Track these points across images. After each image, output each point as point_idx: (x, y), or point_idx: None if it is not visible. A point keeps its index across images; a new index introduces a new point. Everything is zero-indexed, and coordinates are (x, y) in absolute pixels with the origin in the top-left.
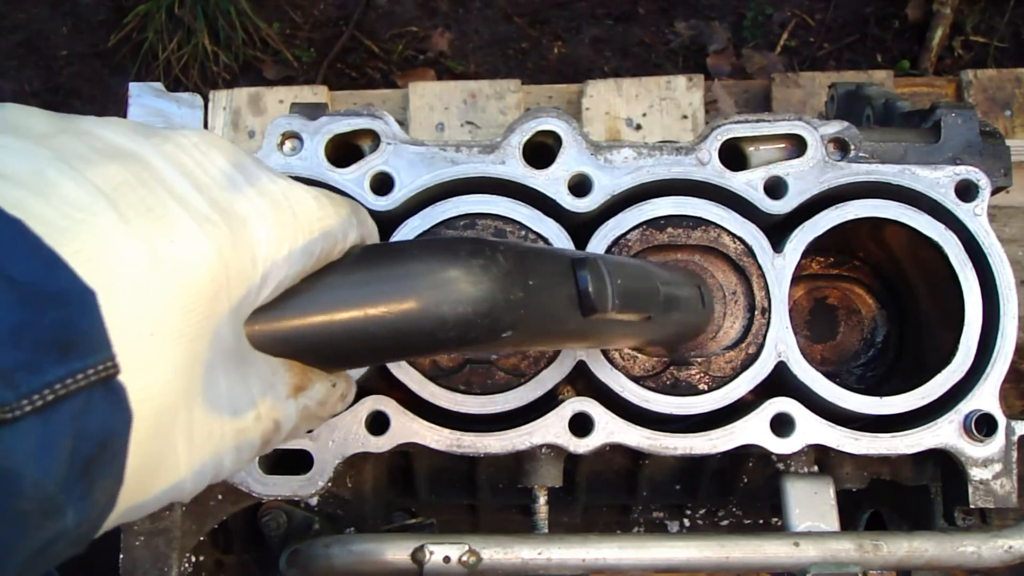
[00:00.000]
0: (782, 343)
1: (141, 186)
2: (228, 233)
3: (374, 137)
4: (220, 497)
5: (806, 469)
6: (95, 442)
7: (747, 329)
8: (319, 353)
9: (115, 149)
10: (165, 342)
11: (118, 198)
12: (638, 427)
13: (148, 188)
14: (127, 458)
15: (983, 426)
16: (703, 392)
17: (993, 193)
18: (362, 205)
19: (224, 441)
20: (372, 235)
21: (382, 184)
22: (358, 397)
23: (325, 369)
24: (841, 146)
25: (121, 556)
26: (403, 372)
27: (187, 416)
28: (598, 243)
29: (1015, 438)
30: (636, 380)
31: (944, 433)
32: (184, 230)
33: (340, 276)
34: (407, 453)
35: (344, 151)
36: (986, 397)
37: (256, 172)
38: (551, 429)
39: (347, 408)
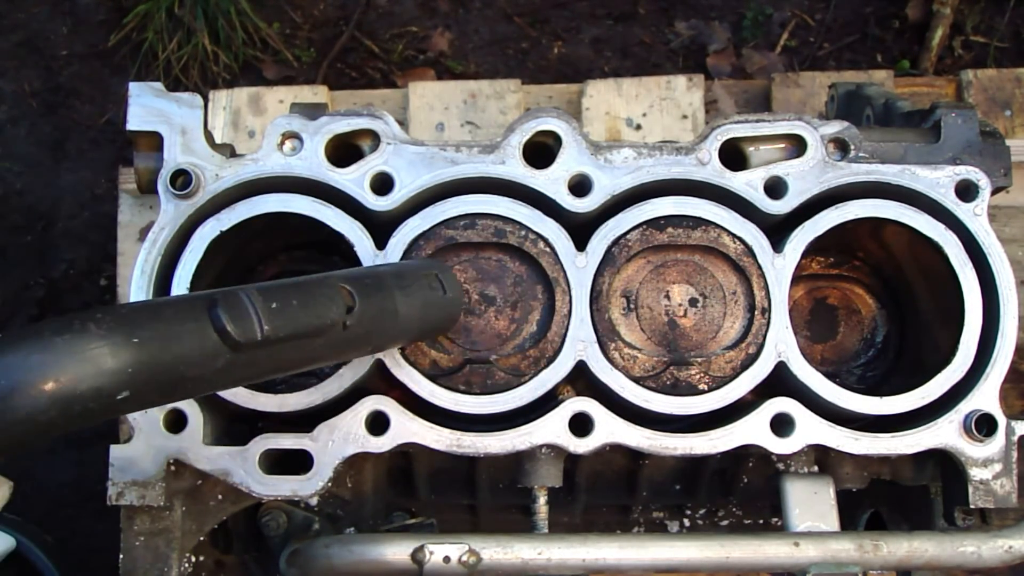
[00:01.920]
0: (782, 343)
1: None
2: None
3: (374, 137)
4: (220, 497)
5: (806, 469)
6: None
7: (747, 329)
8: None
9: None
10: None
11: None
12: (638, 427)
13: None
14: None
15: (983, 426)
16: (703, 392)
17: (993, 193)
18: (362, 205)
19: None
20: None
21: (382, 184)
22: (358, 397)
23: None
24: (841, 146)
25: (121, 556)
26: (403, 372)
27: None
28: (598, 243)
29: (1015, 438)
30: (636, 380)
31: (944, 433)
32: None
33: None
34: (407, 453)
35: (344, 151)
36: (986, 397)
37: None
38: (551, 429)
39: None
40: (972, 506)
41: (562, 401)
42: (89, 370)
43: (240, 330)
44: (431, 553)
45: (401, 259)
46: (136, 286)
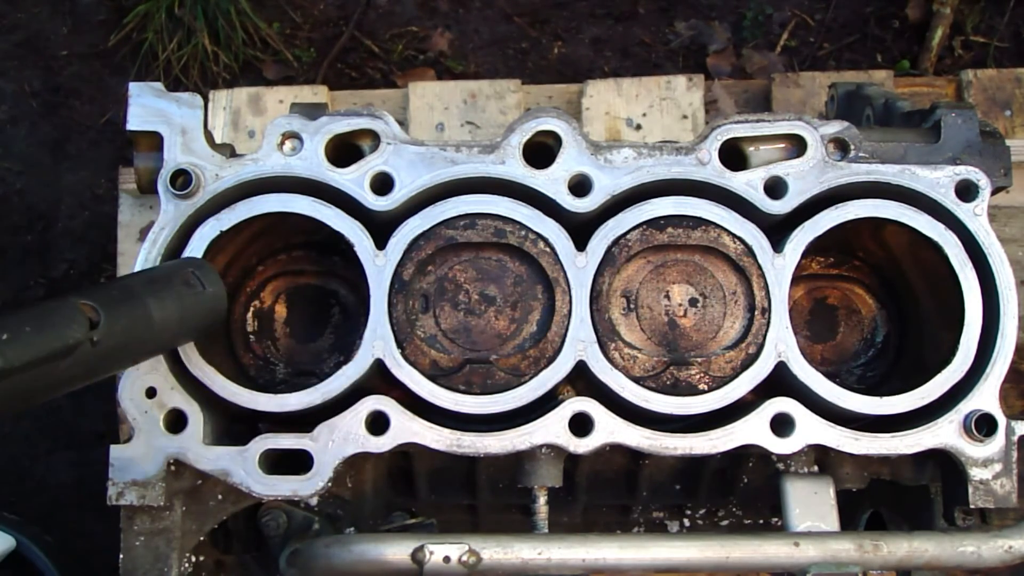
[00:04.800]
0: (782, 343)
1: None
2: None
3: (374, 137)
4: (220, 497)
5: (806, 469)
6: None
7: (747, 329)
8: None
9: None
10: None
11: None
12: (638, 427)
13: None
14: None
15: (983, 426)
16: (703, 392)
17: (993, 193)
18: (362, 205)
19: None
20: None
21: (382, 184)
22: (358, 397)
23: None
24: (841, 146)
25: (121, 556)
26: (403, 372)
27: None
28: (598, 243)
29: (1015, 438)
30: (636, 380)
31: (944, 433)
32: None
33: None
34: (407, 453)
35: (344, 151)
36: (986, 397)
37: None
38: (551, 429)
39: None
40: (972, 506)
41: (562, 401)
42: None
43: None
44: (431, 553)
45: (401, 259)
46: None
